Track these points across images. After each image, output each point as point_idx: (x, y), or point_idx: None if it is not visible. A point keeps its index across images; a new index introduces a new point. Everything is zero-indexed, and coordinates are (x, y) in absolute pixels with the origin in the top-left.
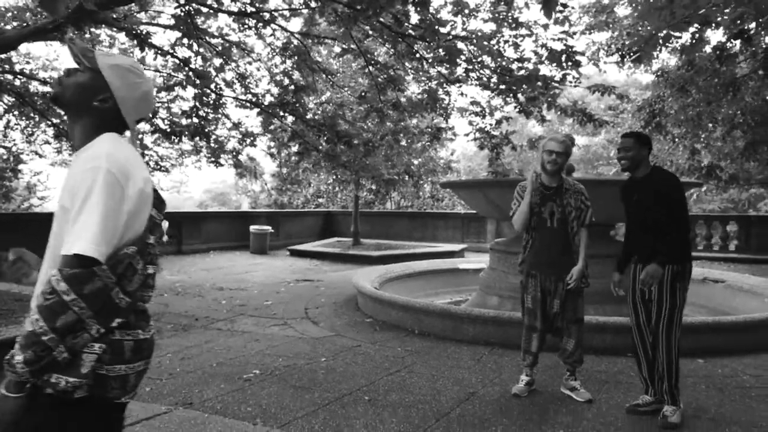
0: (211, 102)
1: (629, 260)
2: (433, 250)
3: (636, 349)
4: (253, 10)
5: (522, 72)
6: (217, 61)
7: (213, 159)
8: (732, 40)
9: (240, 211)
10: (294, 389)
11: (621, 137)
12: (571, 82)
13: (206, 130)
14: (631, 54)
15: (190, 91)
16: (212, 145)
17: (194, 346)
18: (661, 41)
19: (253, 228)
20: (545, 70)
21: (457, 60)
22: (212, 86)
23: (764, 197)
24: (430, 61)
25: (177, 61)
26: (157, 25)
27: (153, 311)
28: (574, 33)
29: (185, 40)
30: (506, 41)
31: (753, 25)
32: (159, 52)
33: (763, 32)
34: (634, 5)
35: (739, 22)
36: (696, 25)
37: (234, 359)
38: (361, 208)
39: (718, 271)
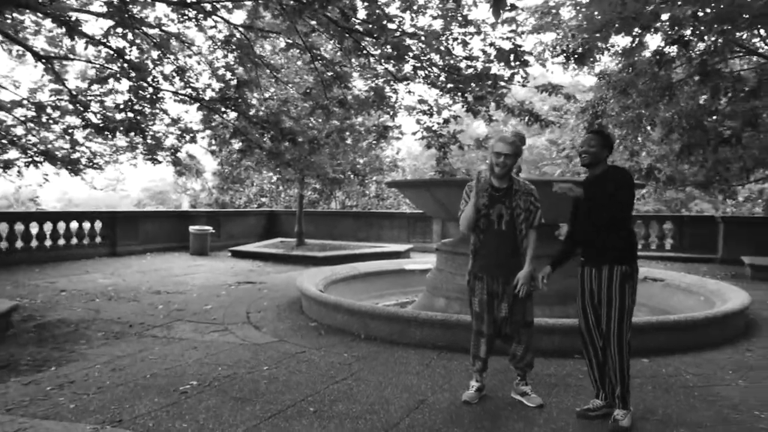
0: (148, 96)
1: (567, 259)
2: (379, 251)
3: (586, 353)
4: (194, 0)
5: (471, 70)
6: (155, 53)
7: (150, 156)
8: (670, 46)
9: (179, 210)
10: (234, 401)
11: (587, 133)
12: (519, 81)
13: (142, 125)
14: (575, 55)
15: (126, 84)
16: (149, 141)
17: (127, 355)
18: (602, 44)
19: (192, 228)
20: (494, 69)
21: (405, 57)
22: (149, 79)
23: (694, 198)
24: (377, 57)
25: (111, 52)
26: (88, 12)
27: (82, 318)
28: (522, 33)
29: (119, 30)
30: (455, 39)
31: (689, 32)
32: (90, 41)
33: (696, 39)
34: (578, 8)
35: (677, 28)
36: (637, 29)
37: (170, 369)
38: (305, 208)
39: (657, 270)
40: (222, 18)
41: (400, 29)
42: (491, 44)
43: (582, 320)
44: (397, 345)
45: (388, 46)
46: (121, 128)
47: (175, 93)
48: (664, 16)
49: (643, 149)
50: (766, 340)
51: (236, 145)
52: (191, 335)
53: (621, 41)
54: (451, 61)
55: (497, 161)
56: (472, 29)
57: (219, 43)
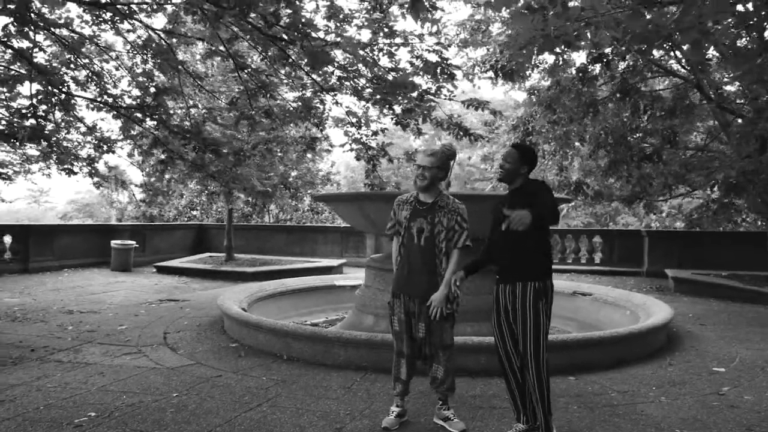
0: (57, 102)
1: (477, 269)
2: (311, 266)
3: (504, 375)
4: (108, 0)
5: (396, 81)
6: (67, 56)
7: (64, 167)
8: (593, 64)
9: (100, 224)
10: None
11: (510, 147)
12: (446, 95)
13: (45, 131)
14: (504, 72)
15: (34, 89)
16: (54, 149)
17: (22, 384)
18: (530, 60)
19: (114, 243)
20: (421, 81)
21: (329, 67)
22: (60, 84)
23: (620, 212)
24: (302, 67)
25: (14, 52)
26: None
27: None
28: (449, 45)
29: (15, 28)
30: (380, 50)
31: (609, 50)
32: None
33: (617, 58)
34: (506, 24)
35: (596, 47)
36: (562, 46)
37: (68, 399)
38: (237, 222)
39: (586, 284)
40: (140, 21)
41: (324, 39)
42: (418, 56)
43: (498, 340)
44: (320, 366)
45: (310, 55)
46: (21, 136)
47: (90, 100)
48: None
49: (572, 164)
50: (686, 353)
51: (159, 156)
52: (100, 359)
53: (549, 58)
54: (378, 72)
55: (417, 173)
56: (398, 40)
57: (138, 49)
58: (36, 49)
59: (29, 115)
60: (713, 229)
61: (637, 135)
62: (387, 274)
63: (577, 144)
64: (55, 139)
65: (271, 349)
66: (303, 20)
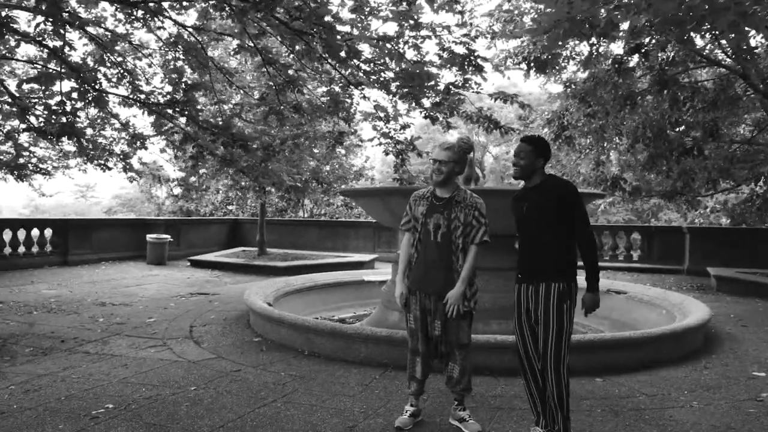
0: (90, 99)
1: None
2: (343, 261)
3: (524, 377)
4: None
5: (422, 75)
6: (99, 54)
7: (99, 162)
8: (630, 55)
9: (136, 218)
10: (146, 428)
11: (519, 141)
12: (473, 88)
13: (74, 127)
14: (536, 63)
15: (68, 86)
16: (84, 144)
17: (48, 374)
18: (562, 51)
19: (149, 237)
20: (449, 75)
21: (355, 60)
22: (93, 82)
23: (663, 208)
24: (329, 60)
25: (48, 51)
26: (12, 5)
27: (13, 332)
28: (477, 37)
29: (50, 26)
30: (406, 42)
31: (648, 40)
32: (23, 39)
33: (657, 48)
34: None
35: (633, 37)
36: (594, 34)
37: (89, 390)
38: (272, 216)
39: (621, 282)
40: (171, 18)
41: (350, 33)
42: (445, 49)
43: (519, 341)
44: (340, 362)
45: (330, 49)
46: (53, 132)
47: (123, 97)
48: (624, 25)
49: (609, 159)
50: (724, 356)
51: (189, 151)
52: (125, 351)
53: (584, 49)
54: (403, 66)
55: (433, 168)
56: (425, 32)
57: (169, 45)
58: (68, 48)
59: (59, 111)
60: (759, 226)
61: (678, 129)
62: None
63: (615, 138)
64: (88, 136)
65: (293, 344)
66: (328, 14)
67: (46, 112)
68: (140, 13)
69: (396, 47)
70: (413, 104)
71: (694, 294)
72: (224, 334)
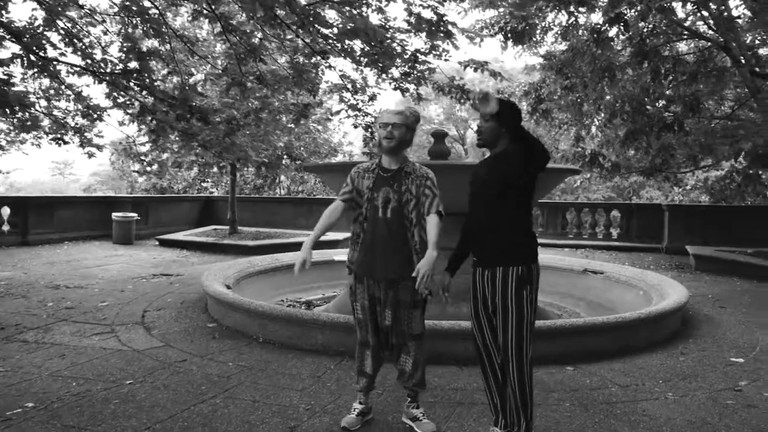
0: (35, 66)
1: (463, 259)
2: None
3: (483, 372)
4: None
5: (388, 42)
6: (40, 15)
7: (55, 137)
8: (609, 24)
9: (102, 196)
10: (63, 430)
11: None
12: (441, 55)
13: (6, 95)
14: (511, 34)
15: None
16: (19, 117)
17: None
18: (539, 22)
19: (115, 215)
20: (418, 43)
21: (318, 27)
22: (38, 48)
23: (645, 185)
24: (291, 27)
25: None
26: None
27: None
28: (455, 7)
29: None
30: (369, 5)
31: (628, 9)
32: None
33: (638, 18)
34: None
35: (614, 4)
36: (572, 7)
37: (14, 386)
38: (249, 194)
39: (598, 261)
40: None
41: None
42: (411, 13)
43: (476, 332)
44: (295, 351)
45: (303, 15)
46: None
47: (68, 64)
48: None
49: (589, 135)
50: (701, 340)
51: (148, 125)
52: (67, 339)
53: (563, 19)
54: (369, 33)
55: (384, 133)
56: None
57: (122, 10)
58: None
59: None
60: (739, 203)
61: (658, 103)
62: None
63: (593, 113)
64: (42, 108)
65: (247, 331)
66: None
67: None
68: None
69: (359, 11)
70: (381, 74)
71: (672, 273)
72: (178, 319)
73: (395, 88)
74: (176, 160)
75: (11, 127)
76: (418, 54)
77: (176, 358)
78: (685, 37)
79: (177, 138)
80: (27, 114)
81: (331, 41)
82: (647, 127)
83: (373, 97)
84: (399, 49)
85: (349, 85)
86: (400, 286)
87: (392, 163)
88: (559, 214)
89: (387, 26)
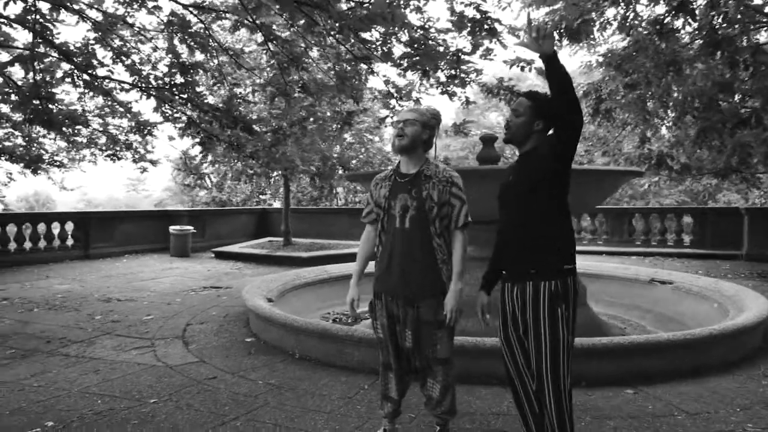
0: (84, 84)
1: (498, 275)
2: None
3: (516, 401)
4: None
5: (430, 42)
6: (92, 35)
7: (109, 153)
8: (673, 13)
9: (160, 210)
10: None
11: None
12: (486, 54)
13: (50, 113)
14: (567, 32)
15: (60, 72)
16: (68, 132)
17: (12, 381)
18: (596, 17)
19: (172, 228)
20: (461, 42)
21: (358, 32)
22: (88, 67)
23: (722, 189)
24: (332, 34)
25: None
26: None
27: (4, 331)
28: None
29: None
30: (407, 5)
31: None
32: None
33: (708, 7)
34: None
35: None
36: None
37: (41, 403)
38: (307, 205)
39: (667, 271)
40: None
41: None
42: (453, 11)
43: (507, 357)
44: (330, 368)
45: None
46: (25, 118)
47: (117, 81)
48: None
49: (657, 135)
50: None
51: (194, 138)
52: (106, 354)
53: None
54: (413, 35)
55: (398, 132)
56: None
57: (165, 26)
58: (56, 30)
59: (31, 95)
60: None
61: (732, 97)
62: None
63: (660, 111)
64: (96, 126)
65: (284, 346)
66: None
67: (17, 98)
68: None
69: (398, 11)
70: (423, 77)
71: (753, 283)
72: (218, 333)
73: (442, 92)
74: (235, 173)
75: (69, 146)
76: (460, 54)
77: (207, 375)
78: (765, 24)
79: (225, 149)
80: (74, 131)
81: (369, 45)
82: (720, 123)
83: (417, 103)
84: (441, 49)
85: (394, 91)
86: (421, 304)
87: (410, 166)
88: (626, 220)
89: (427, 26)
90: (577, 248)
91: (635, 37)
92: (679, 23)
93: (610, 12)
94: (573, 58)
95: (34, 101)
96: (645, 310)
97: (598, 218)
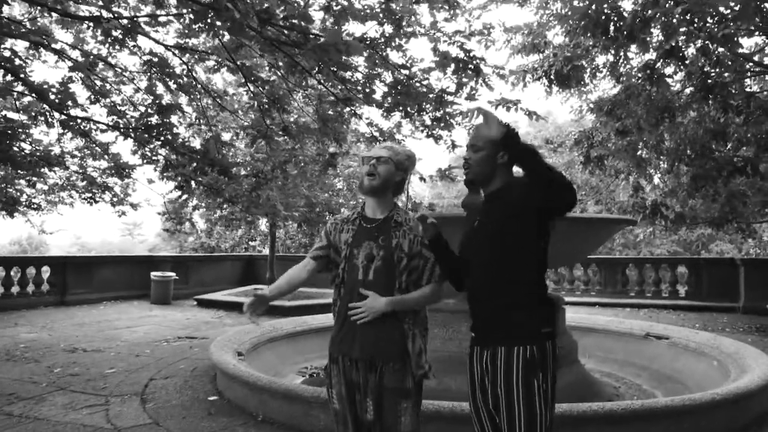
0: (61, 124)
1: (447, 260)
2: None
3: None
4: (110, 15)
5: (412, 81)
6: (71, 75)
7: (86, 197)
8: (664, 59)
9: (140, 255)
10: None
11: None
12: (470, 96)
13: (9, 152)
14: (556, 77)
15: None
16: (35, 173)
17: None
18: (586, 63)
19: (154, 275)
20: (446, 82)
21: (341, 73)
22: (63, 106)
23: (714, 238)
24: (312, 74)
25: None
26: None
27: None
28: (472, 35)
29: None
30: (387, 44)
31: (685, 42)
32: None
33: (699, 54)
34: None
35: (668, 36)
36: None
37: None
38: (296, 252)
39: (663, 324)
40: (149, 36)
41: (319, 35)
42: (436, 50)
43: (476, 427)
44: None
45: (327, 62)
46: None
47: (88, 120)
48: (655, 31)
49: (651, 183)
50: None
51: (171, 181)
52: (54, 413)
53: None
54: (391, 75)
55: (366, 169)
56: (412, 29)
57: (147, 65)
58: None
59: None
60: None
61: (726, 145)
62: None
63: (650, 158)
64: (75, 167)
65: (247, 407)
66: (310, 23)
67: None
68: (119, 32)
69: (381, 52)
70: (405, 118)
71: (752, 338)
72: (182, 390)
73: (428, 136)
74: (222, 219)
75: (47, 188)
76: (444, 95)
77: None
78: (755, 72)
79: (202, 193)
80: (50, 170)
81: (350, 86)
82: (714, 171)
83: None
84: (424, 90)
85: (377, 133)
86: (384, 370)
87: (377, 210)
88: (619, 270)
89: (408, 63)
90: (570, 299)
91: (626, 84)
92: (670, 70)
93: (600, 59)
94: (564, 106)
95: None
96: (640, 368)
97: (591, 268)
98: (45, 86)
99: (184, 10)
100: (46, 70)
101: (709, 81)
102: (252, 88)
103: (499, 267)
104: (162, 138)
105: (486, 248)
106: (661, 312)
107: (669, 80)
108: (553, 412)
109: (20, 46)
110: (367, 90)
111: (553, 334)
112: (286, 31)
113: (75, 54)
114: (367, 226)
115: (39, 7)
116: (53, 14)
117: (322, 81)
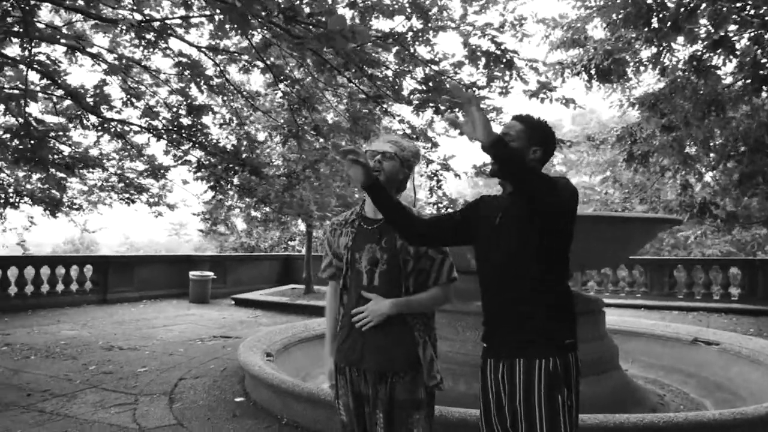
0: (97, 127)
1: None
2: None
3: None
4: (144, 19)
5: (446, 77)
6: (110, 78)
7: (123, 197)
8: (711, 50)
9: (181, 255)
10: None
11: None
12: (503, 91)
13: (41, 153)
14: (597, 72)
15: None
16: (54, 173)
17: None
18: (629, 57)
19: (192, 274)
20: (477, 77)
21: (371, 71)
22: (97, 108)
23: None
24: (341, 72)
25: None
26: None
27: None
28: (503, 26)
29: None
30: (415, 38)
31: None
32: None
33: (751, 43)
34: (606, 20)
35: (715, 28)
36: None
37: None
38: None
39: (712, 329)
40: (181, 38)
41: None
42: (466, 45)
43: None
44: None
45: (338, 55)
46: (12, 158)
47: (123, 122)
48: (703, 21)
49: (700, 181)
50: None
51: (205, 182)
52: (83, 411)
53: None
54: (422, 71)
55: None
56: (442, 22)
57: (176, 67)
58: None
59: (22, 134)
60: None
61: None
62: (463, 318)
63: (699, 155)
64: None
65: (272, 409)
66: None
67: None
68: (151, 35)
69: (409, 48)
70: (440, 116)
71: None
72: (210, 390)
73: (461, 133)
74: (259, 220)
75: (88, 189)
76: (474, 89)
77: None
78: None
79: (234, 193)
80: (89, 171)
81: (378, 83)
82: (765, 167)
83: (435, 144)
84: (439, 88)
85: (409, 131)
86: (395, 381)
87: (378, 210)
88: (667, 272)
89: (437, 59)
90: (613, 301)
91: (671, 77)
92: (718, 60)
93: (645, 53)
94: (606, 101)
95: (15, 141)
96: (687, 374)
97: (637, 269)
98: (81, 90)
99: (209, 12)
100: (83, 74)
101: (762, 72)
102: (282, 88)
103: (520, 273)
104: (194, 139)
105: (507, 252)
106: (711, 315)
107: (717, 71)
108: (576, 425)
109: (59, 51)
110: (396, 87)
111: (576, 346)
112: (312, 29)
113: (110, 57)
114: (367, 228)
115: (73, 12)
116: (88, 20)
117: (351, 79)
